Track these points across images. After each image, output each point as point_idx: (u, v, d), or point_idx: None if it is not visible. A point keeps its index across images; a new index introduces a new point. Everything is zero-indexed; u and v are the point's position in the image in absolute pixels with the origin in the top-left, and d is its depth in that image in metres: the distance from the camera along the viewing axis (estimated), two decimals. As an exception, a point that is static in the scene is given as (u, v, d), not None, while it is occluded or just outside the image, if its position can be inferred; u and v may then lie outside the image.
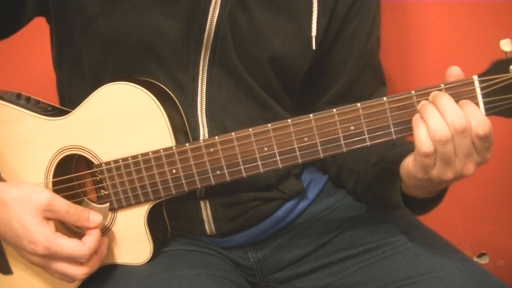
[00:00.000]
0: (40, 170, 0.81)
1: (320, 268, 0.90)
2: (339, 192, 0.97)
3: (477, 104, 0.68)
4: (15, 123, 0.81)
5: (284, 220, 0.93)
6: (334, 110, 0.71)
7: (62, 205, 0.74)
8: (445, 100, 0.66)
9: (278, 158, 0.74)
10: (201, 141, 0.76)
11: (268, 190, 0.90)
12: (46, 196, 0.73)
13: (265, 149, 0.74)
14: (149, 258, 0.81)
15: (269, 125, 0.73)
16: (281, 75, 0.86)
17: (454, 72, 0.68)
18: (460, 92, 0.68)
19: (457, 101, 0.67)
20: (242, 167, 0.75)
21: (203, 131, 0.84)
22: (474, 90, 0.68)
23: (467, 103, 0.67)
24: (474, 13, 1.14)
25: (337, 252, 0.89)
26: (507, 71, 0.68)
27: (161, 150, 0.77)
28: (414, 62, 1.17)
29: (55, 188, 0.81)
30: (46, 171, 0.81)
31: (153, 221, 0.82)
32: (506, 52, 0.68)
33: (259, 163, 0.75)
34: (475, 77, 0.68)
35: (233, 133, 0.74)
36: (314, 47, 0.85)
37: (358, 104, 0.71)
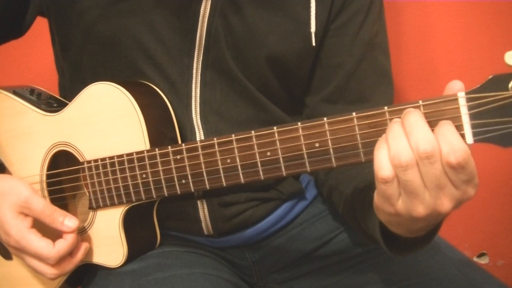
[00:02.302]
0: (36, 162, 0.84)
1: (318, 270, 0.88)
2: None
3: (460, 126, 0.55)
4: (18, 116, 0.85)
5: (282, 221, 0.90)
6: (299, 123, 0.64)
7: (39, 204, 0.75)
8: (413, 119, 0.55)
9: (240, 171, 0.68)
10: (169, 147, 0.73)
11: (266, 190, 0.86)
12: (25, 194, 0.75)
13: (228, 160, 0.69)
14: (122, 262, 0.80)
15: (233, 135, 0.68)
16: (280, 74, 0.83)
17: (455, 88, 0.56)
18: (442, 111, 0.57)
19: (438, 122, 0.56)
20: (205, 178, 0.70)
21: (199, 135, 0.82)
22: (458, 110, 0.56)
23: (443, 124, 0.55)
24: (474, 13, 1.11)
25: (335, 253, 0.87)
26: (506, 89, 0.54)
27: (134, 153, 0.75)
28: (414, 62, 1.14)
29: (49, 180, 0.84)
30: (41, 164, 0.84)
31: (133, 225, 0.80)
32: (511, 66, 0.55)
33: (222, 175, 0.69)
34: (461, 94, 0.56)
35: (198, 141, 0.70)
36: (314, 44, 0.80)
37: (325, 119, 0.62)
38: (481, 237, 1.27)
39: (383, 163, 0.56)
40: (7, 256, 0.89)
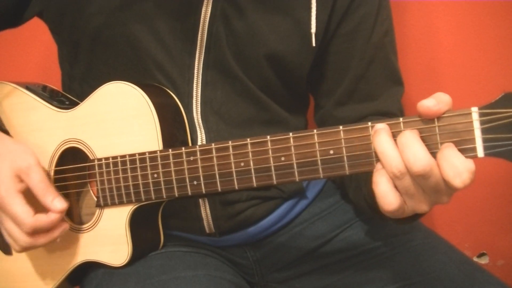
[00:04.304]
0: (45, 158, 0.84)
1: (320, 269, 0.89)
2: (339, 192, 0.95)
3: (472, 140, 0.58)
4: (31, 112, 0.86)
5: (283, 220, 0.91)
6: (315, 130, 0.66)
7: (39, 175, 0.75)
8: (405, 138, 0.59)
9: (253, 175, 0.69)
10: (183, 148, 0.74)
11: (267, 189, 0.87)
12: (31, 161, 0.76)
13: (242, 164, 0.70)
14: (126, 261, 0.80)
15: (248, 139, 0.69)
16: (281, 74, 0.84)
17: (441, 100, 0.58)
18: (455, 124, 0.59)
19: (455, 134, 0.58)
20: (217, 180, 0.72)
21: (200, 134, 0.83)
22: (471, 124, 0.58)
23: (446, 146, 0.58)
24: (474, 13, 1.12)
25: (336, 252, 0.88)
26: (518, 106, 0.57)
27: (147, 153, 0.76)
28: (414, 62, 1.15)
29: (57, 176, 0.84)
30: (50, 160, 0.84)
31: (139, 225, 0.81)
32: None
33: (234, 178, 0.70)
34: (474, 109, 0.58)
35: (213, 144, 0.72)
36: (314, 44, 0.82)
37: (340, 127, 0.64)
38: (481, 237, 1.28)
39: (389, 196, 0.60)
40: (7, 252, 0.89)
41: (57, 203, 0.75)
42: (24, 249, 0.76)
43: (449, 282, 0.77)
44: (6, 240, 0.78)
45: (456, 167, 0.56)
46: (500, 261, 1.29)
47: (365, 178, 0.75)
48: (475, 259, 1.29)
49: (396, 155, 0.58)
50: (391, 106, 0.88)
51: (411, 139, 0.58)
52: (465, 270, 0.78)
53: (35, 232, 0.74)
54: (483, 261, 1.29)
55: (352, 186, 0.84)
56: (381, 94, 0.87)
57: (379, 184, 0.60)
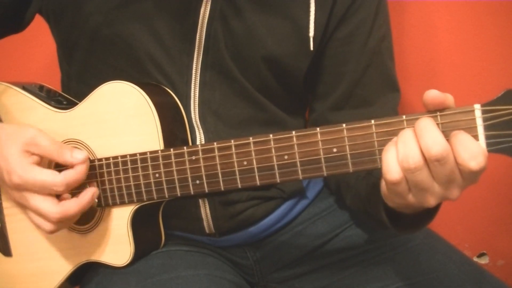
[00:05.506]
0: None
1: (320, 269, 0.89)
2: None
3: (475, 137, 0.59)
4: (28, 112, 0.85)
5: (283, 220, 0.91)
6: (318, 128, 0.66)
7: (46, 140, 0.74)
8: (423, 123, 0.58)
9: (256, 174, 0.70)
10: (185, 147, 0.74)
11: (267, 189, 0.87)
12: (32, 131, 0.75)
13: (245, 163, 0.70)
14: (128, 261, 0.80)
15: (251, 138, 0.70)
16: (278, 75, 0.85)
17: (433, 96, 0.59)
18: (458, 121, 0.60)
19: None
20: (220, 179, 0.72)
21: (199, 135, 0.83)
22: (474, 121, 0.59)
23: (459, 132, 0.58)
24: (473, 13, 1.12)
25: (336, 252, 0.88)
26: (519, 103, 0.57)
27: (148, 153, 0.76)
28: (413, 62, 1.15)
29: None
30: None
31: (140, 225, 0.80)
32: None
33: (237, 177, 0.71)
34: (477, 106, 0.59)
35: (215, 143, 0.72)
36: (312, 48, 0.82)
37: (343, 125, 0.65)
38: (481, 237, 1.28)
39: (391, 165, 0.59)
40: (7, 253, 0.88)
41: (77, 154, 0.74)
42: (57, 223, 0.73)
43: (449, 282, 0.77)
44: (35, 222, 0.75)
45: (472, 150, 0.56)
46: (500, 261, 1.30)
47: (365, 186, 0.76)
48: (475, 259, 1.30)
49: (416, 148, 0.58)
50: (388, 113, 0.88)
51: (429, 123, 0.58)
52: (465, 270, 0.78)
53: (69, 189, 0.73)
54: (483, 261, 1.30)
55: (349, 195, 0.84)
56: (378, 100, 0.87)
57: (387, 152, 0.60)
